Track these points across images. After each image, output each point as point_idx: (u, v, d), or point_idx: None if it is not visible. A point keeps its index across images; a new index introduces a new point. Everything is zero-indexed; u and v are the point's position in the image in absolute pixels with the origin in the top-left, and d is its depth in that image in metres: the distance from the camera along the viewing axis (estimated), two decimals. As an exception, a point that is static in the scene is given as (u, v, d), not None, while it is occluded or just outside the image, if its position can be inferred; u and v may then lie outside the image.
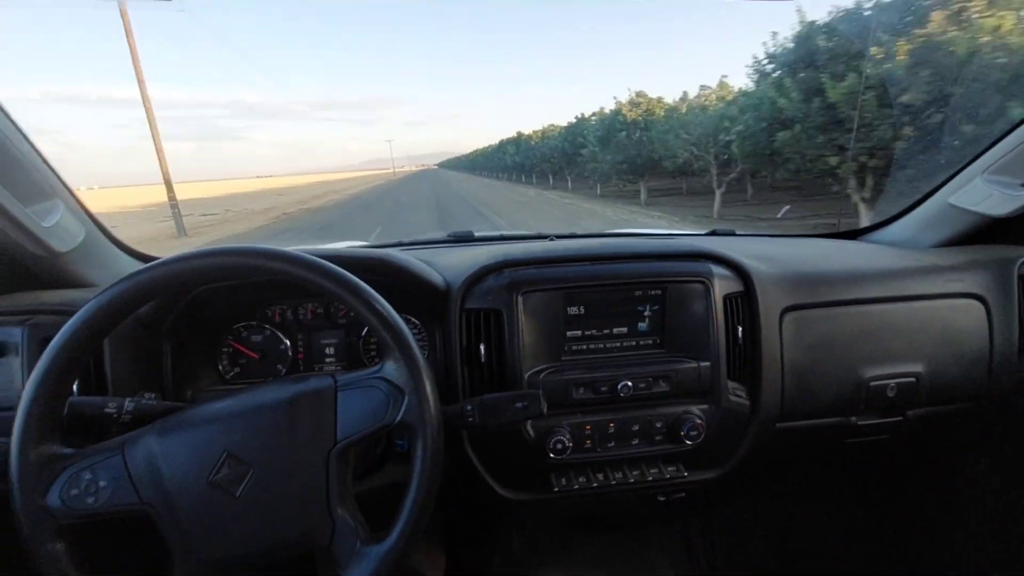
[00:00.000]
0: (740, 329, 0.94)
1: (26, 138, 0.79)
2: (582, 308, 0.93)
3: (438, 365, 0.93)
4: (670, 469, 0.95)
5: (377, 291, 0.63)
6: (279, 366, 1.00)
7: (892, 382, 1.00)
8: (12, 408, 0.77)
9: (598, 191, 20.52)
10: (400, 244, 1.35)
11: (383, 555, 0.58)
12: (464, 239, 1.38)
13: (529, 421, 0.89)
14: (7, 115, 0.75)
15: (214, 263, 0.60)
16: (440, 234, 1.47)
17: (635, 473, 0.94)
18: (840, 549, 1.47)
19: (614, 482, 0.93)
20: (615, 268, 0.94)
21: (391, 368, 0.63)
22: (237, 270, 0.61)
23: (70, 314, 0.81)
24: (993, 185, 1.07)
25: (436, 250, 1.24)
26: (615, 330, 0.95)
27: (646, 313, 0.94)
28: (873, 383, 0.99)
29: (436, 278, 0.93)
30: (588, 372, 0.91)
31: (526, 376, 0.89)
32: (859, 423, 1.03)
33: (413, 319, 0.98)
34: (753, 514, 1.54)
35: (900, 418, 1.04)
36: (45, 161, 0.82)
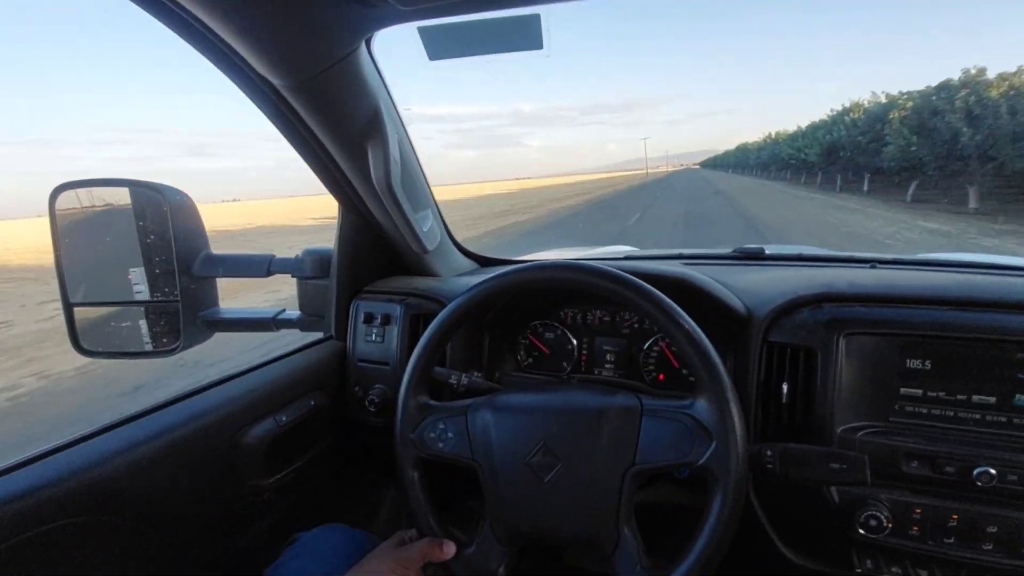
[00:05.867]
0: None
1: (417, 158, 1.04)
2: (927, 363, 0.75)
3: None
4: None
5: None
6: (564, 363, 1.09)
7: None
8: (389, 363, 1.04)
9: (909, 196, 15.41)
10: (681, 257, 1.32)
11: None
12: (753, 256, 1.27)
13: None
14: (408, 137, 1.00)
15: (552, 276, 0.69)
16: (725, 248, 1.38)
17: None
18: None
19: None
20: (989, 319, 0.73)
21: (702, 407, 0.62)
22: (570, 284, 0.68)
23: (431, 298, 1.04)
24: None
25: (723, 268, 1.17)
26: (975, 398, 0.74)
27: None
28: None
29: (736, 303, 0.87)
30: (928, 443, 0.73)
31: (838, 431, 0.77)
32: None
33: None
34: None
35: None
36: (425, 178, 1.07)
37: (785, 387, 0.80)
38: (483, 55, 0.80)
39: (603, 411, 0.66)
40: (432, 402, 0.74)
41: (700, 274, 0.92)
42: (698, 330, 0.63)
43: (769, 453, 0.66)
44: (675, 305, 0.64)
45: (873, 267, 1.08)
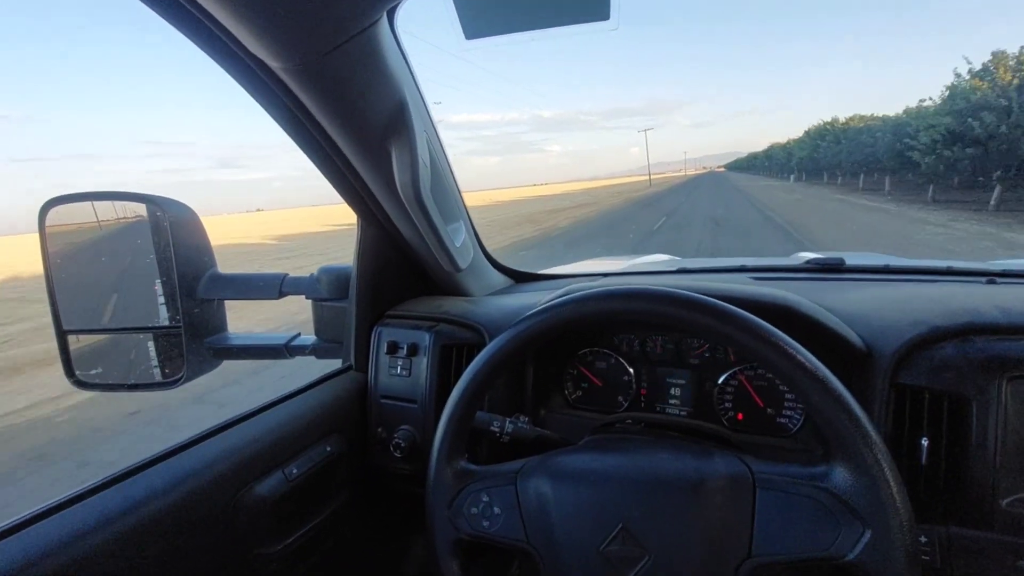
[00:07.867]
0: None
1: (448, 161, 0.89)
2: None
3: None
4: None
5: None
6: (620, 397, 0.93)
7: None
8: (417, 402, 0.89)
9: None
10: (745, 269, 1.14)
11: None
12: (832, 268, 1.08)
13: None
14: (440, 142, 0.86)
15: (626, 307, 0.53)
16: (793, 259, 1.20)
17: None
18: None
19: None
20: None
21: (844, 479, 0.45)
22: (649, 316, 0.52)
23: (465, 324, 0.90)
24: None
25: (800, 284, 0.99)
26: None
27: None
28: None
29: (852, 336, 0.70)
30: None
31: (1003, 504, 0.59)
32: None
33: None
34: None
35: None
36: (457, 186, 0.92)
37: (925, 444, 0.62)
38: (532, 31, 0.65)
39: (701, 484, 0.50)
40: (472, 467, 0.59)
41: (808, 302, 0.75)
42: (833, 377, 0.47)
43: (924, 539, 0.50)
44: (799, 345, 0.48)
45: (992, 282, 0.88)
